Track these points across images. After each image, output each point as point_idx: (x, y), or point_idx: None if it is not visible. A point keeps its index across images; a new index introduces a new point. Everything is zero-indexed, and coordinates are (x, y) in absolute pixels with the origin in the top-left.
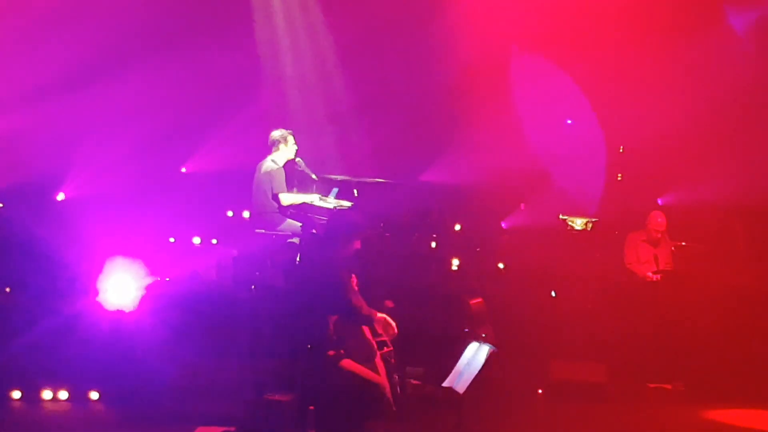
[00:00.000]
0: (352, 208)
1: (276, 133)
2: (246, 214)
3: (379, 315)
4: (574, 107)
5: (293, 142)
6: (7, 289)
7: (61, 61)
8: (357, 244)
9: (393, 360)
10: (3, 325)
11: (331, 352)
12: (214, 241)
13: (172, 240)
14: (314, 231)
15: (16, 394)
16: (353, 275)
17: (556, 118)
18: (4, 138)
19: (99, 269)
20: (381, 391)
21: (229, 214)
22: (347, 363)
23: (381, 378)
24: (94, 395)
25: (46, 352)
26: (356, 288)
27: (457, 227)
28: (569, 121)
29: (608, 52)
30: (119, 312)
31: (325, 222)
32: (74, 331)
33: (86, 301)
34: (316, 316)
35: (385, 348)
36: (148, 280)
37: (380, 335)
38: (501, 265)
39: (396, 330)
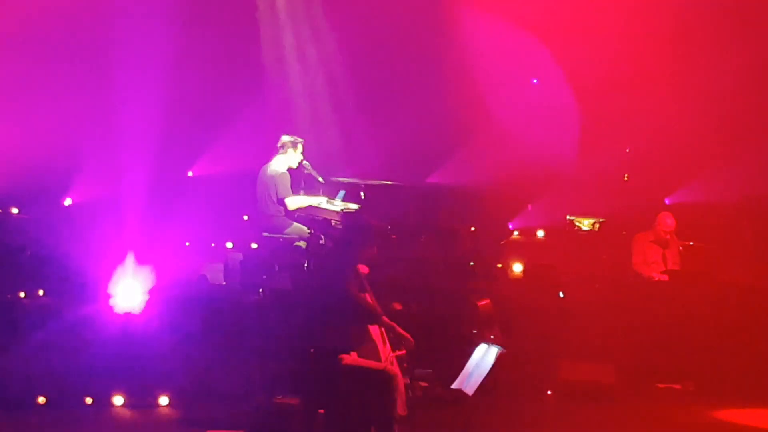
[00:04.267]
0: (362, 211)
1: (287, 137)
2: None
3: (388, 321)
4: (579, 109)
5: (301, 150)
6: (22, 294)
7: (69, 66)
8: (373, 250)
9: (406, 365)
10: (12, 330)
11: (336, 355)
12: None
13: (187, 244)
14: (324, 235)
15: (28, 400)
16: (363, 267)
17: (561, 118)
18: (11, 143)
19: (106, 273)
20: (390, 378)
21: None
22: (352, 358)
23: (391, 367)
24: (103, 399)
25: (55, 357)
26: (368, 289)
27: (465, 229)
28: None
29: (615, 52)
30: (127, 316)
31: (339, 225)
32: (83, 335)
33: (94, 306)
34: (324, 320)
35: (397, 351)
36: (156, 284)
37: (392, 338)
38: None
39: (411, 340)
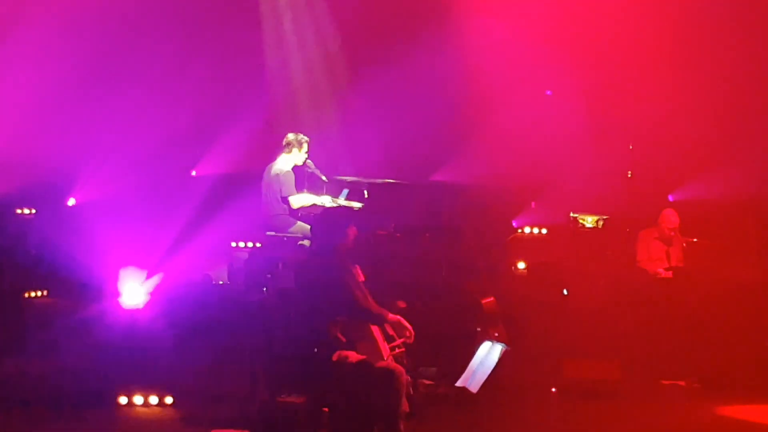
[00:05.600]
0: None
1: (292, 135)
2: None
3: (391, 315)
4: (582, 106)
5: (306, 149)
6: (26, 294)
7: (72, 66)
8: (353, 231)
9: (405, 361)
10: (16, 331)
11: (339, 353)
12: None
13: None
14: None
15: (32, 400)
16: (357, 267)
17: (564, 117)
18: (15, 143)
19: (110, 274)
20: (395, 375)
21: None
22: (355, 356)
23: (394, 364)
24: (108, 399)
25: (59, 357)
26: (362, 279)
27: (469, 227)
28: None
29: (618, 49)
30: (131, 316)
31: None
32: (86, 336)
33: (98, 306)
34: (324, 318)
35: (396, 349)
36: (160, 284)
37: (393, 337)
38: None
39: (412, 332)
